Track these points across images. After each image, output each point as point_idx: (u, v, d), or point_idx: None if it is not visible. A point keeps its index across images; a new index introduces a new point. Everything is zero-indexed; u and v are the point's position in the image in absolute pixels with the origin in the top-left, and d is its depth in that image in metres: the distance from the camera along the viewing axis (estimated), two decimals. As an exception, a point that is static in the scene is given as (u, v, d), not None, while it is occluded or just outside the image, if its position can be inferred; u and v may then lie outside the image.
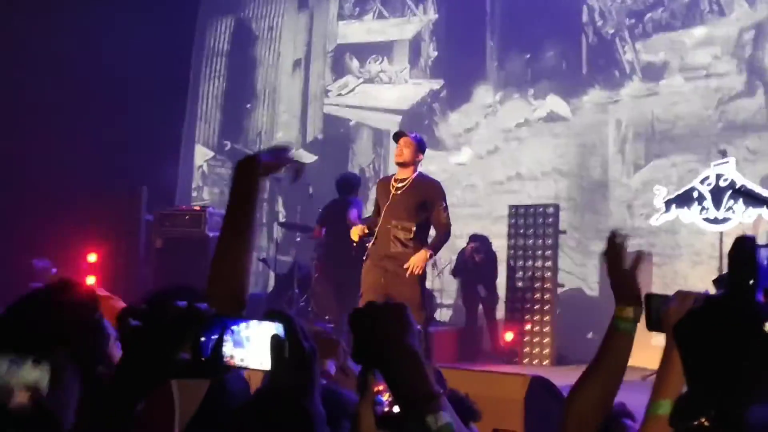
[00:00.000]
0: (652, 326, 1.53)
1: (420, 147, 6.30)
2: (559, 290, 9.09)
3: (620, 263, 1.65)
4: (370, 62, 12.33)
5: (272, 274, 10.54)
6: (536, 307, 8.93)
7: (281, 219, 11.92)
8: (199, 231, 9.06)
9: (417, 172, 6.32)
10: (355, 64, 12.48)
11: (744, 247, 0.81)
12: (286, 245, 10.99)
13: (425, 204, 6.21)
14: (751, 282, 0.81)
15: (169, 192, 12.11)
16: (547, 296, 8.90)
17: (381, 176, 11.46)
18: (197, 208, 9.95)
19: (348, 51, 12.61)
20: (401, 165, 6.30)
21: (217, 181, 13.13)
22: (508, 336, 8.89)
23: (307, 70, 12.93)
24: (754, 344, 0.80)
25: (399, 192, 6.20)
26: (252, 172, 2.00)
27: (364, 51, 12.44)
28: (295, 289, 9.31)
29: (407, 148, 6.22)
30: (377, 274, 6.13)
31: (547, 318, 8.85)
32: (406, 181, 6.23)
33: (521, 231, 9.10)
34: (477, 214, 10.26)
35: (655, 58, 9.80)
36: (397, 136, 6.38)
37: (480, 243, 9.51)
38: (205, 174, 13.30)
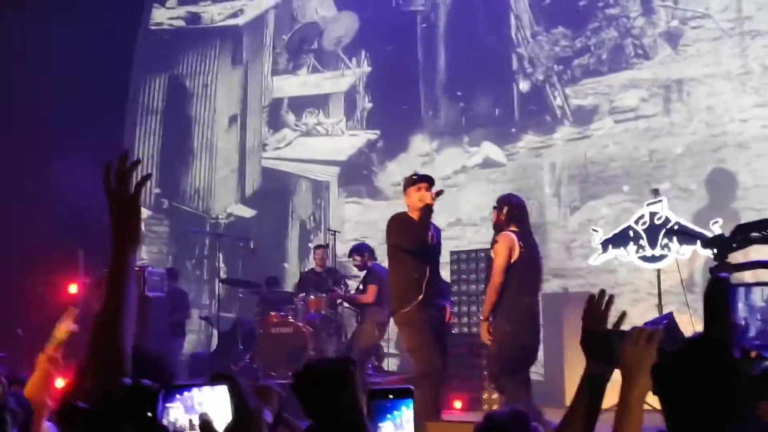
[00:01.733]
0: (614, 364, 1.54)
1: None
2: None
3: (601, 324, 1.65)
4: (306, 115, 12.40)
5: (215, 332, 10.37)
6: (481, 352, 8.92)
7: (222, 275, 11.77)
8: (138, 291, 8.87)
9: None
10: (291, 117, 12.54)
11: (719, 288, 0.83)
12: (228, 301, 10.84)
13: None
14: (728, 323, 0.83)
15: (105, 253, 11.86)
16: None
17: (323, 228, 11.48)
18: (135, 268, 9.79)
19: (284, 105, 12.67)
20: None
21: (155, 239, 12.94)
22: (457, 404, 8.72)
23: (243, 125, 12.93)
24: (733, 385, 0.82)
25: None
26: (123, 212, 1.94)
27: (299, 104, 12.52)
28: (240, 346, 9.17)
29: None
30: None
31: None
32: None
33: (463, 276, 9.14)
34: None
35: (585, 102, 10.07)
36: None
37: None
38: (142, 233, 13.08)
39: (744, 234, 2.93)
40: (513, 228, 6.16)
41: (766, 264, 2.94)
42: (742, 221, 8.54)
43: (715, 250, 2.94)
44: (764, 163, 8.64)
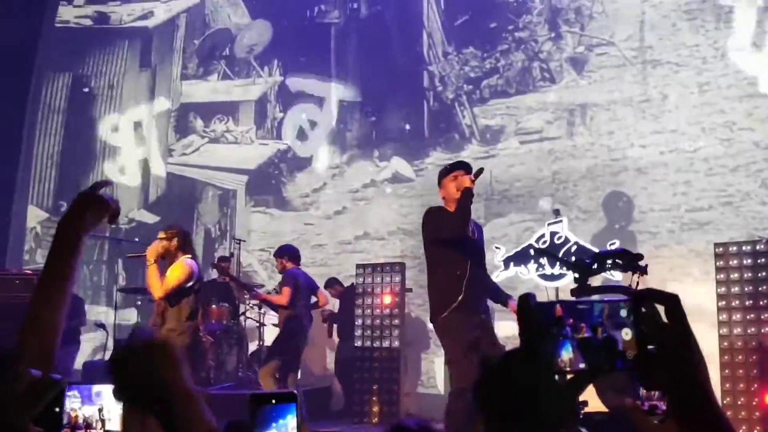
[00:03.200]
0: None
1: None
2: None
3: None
4: (215, 122, 12.23)
5: (111, 340, 10.08)
6: (385, 365, 8.96)
7: (121, 282, 11.46)
8: (29, 295, 8.53)
9: None
10: (199, 123, 12.35)
11: (527, 304, 0.88)
12: (126, 309, 10.56)
13: None
14: (539, 335, 0.88)
15: (-1, 255, 11.41)
16: (395, 354, 8.96)
17: (228, 236, 11.32)
18: (29, 271, 9.40)
19: (192, 110, 12.47)
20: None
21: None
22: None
23: (149, 129, 12.66)
24: (547, 395, 0.88)
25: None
26: (97, 215, 1.92)
27: (208, 110, 12.34)
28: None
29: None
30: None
31: (395, 376, 8.90)
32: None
33: (369, 290, 9.17)
34: (326, 273, 10.26)
35: (492, 122, 10.27)
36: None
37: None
38: (38, 236, 12.64)
39: (602, 261, 3.11)
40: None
41: (617, 288, 3.08)
42: (638, 243, 8.86)
43: (576, 275, 3.10)
44: (660, 188, 8.99)
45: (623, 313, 0.92)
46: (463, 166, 5.59)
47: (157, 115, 12.67)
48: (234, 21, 12.50)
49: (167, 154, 12.46)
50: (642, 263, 3.07)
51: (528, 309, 0.90)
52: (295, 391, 1.65)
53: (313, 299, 8.54)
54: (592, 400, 4.64)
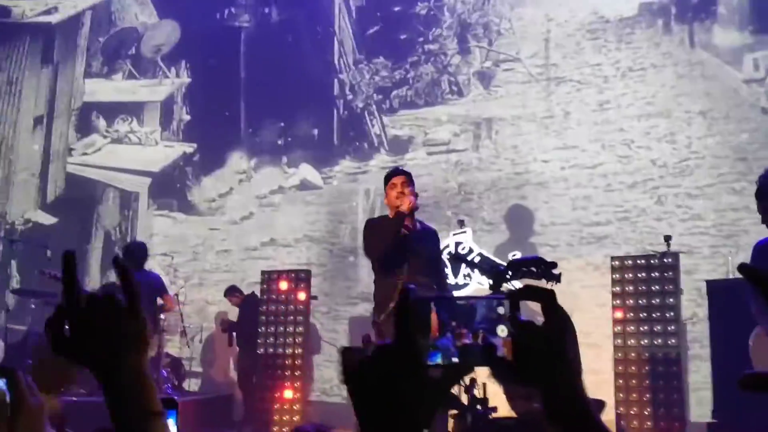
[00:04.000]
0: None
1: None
2: (314, 356, 9.14)
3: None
4: (118, 122, 11.93)
5: (2, 344, 9.67)
6: (287, 373, 8.89)
7: (15, 285, 11.03)
8: None
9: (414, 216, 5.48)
10: (102, 123, 12.02)
11: (406, 298, 0.90)
12: (20, 313, 10.16)
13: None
14: (413, 333, 0.89)
15: None
16: (298, 362, 8.89)
17: (129, 239, 11.05)
18: None
19: (95, 109, 12.13)
20: (412, 213, 5.40)
21: (-59, 243, 11.93)
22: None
23: (49, 128, 12.25)
24: (419, 387, 0.89)
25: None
26: None
27: (112, 110, 12.03)
28: (29, 360, 8.59)
29: (411, 194, 5.40)
30: None
31: (297, 384, 8.83)
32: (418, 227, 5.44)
33: (273, 297, 9.08)
34: (231, 279, 10.12)
35: (401, 132, 10.36)
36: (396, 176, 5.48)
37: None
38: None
39: (517, 269, 3.17)
40: None
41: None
42: (539, 255, 9.05)
43: (491, 281, 3.16)
44: (561, 202, 9.23)
45: (500, 309, 0.94)
46: (400, 173, 5.62)
47: (58, 114, 12.26)
48: (141, 20, 12.23)
49: (67, 153, 12.07)
50: (556, 271, 3.13)
51: (406, 303, 0.90)
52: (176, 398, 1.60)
53: (159, 302, 8.28)
54: (501, 405, 4.72)
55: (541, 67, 9.67)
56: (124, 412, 1.12)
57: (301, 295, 8.78)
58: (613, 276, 7.18)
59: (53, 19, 12.58)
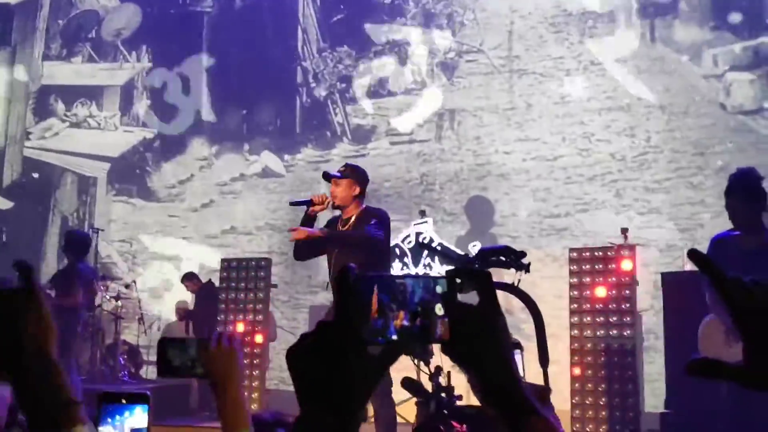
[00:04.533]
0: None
1: (356, 178, 5.18)
2: (271, 344, 9.09)
3: None
4: (77, 106, 11.74)
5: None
6: (246, 361, 8.85)
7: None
8: None
9: (363, 207, 5.22)
10: (60, 107, 11.82)
11: (346, 277, 0.91)
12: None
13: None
14: (353, 310, 0.91)
15: None
16: (257, 350, 8.85)
17: (86, 225, 10.91)
18: None
19: (54, 93, 11.93)
20: (337, 208, 5.23)
21: None
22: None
23: (6, 111, 12.02)
24: (357, 364, 0.92)
25: None
26: None
27: (71, 94, 11.84)
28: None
29: (337, 187, 5.15)
30: None
31: (256, 372, 8.80)
32: (351, 219, 5.21)
33: (233, 284, 9.02)
34: (190, 267, 10.04)
35: (363, 121, 10.34)
36: (326, 178, 5.32)
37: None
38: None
39: (485, 258, 3.15)
40: None
41: (500, 285, 3.17)
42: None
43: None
44: (521, 194, 9.29)
45: (438, 289, 0.95)
46: (324, 177, 5.38)
47: (15, 97, 12.04)
48: (102, 3, 12.04)
49: (24, 137, 11.86)
50: (525, 261, 3.11)
51: (346, 282, 0.91)
52: (148, 393, 1.60)
53: None
54: (466, 394, 4.75)
55: (504, 59, 9.71)
56: (33, 402, 1.09)
57: (261, 292, 8.76)
58: (571, 267, 7.25)
59: (12, 0, 12.34)
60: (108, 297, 9.16)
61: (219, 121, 11.06)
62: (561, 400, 6.24)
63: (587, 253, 7.26)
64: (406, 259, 8.12)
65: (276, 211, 10.51)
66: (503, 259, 2.94)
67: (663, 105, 8.93)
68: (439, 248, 7.73)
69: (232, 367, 1.60)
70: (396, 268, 8.22)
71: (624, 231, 7.17)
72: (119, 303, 9.02)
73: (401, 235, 8.33)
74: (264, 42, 10.92)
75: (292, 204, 5.56)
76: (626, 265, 6.97)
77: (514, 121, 9.51)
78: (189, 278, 9.54)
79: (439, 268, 7.99)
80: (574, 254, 7.30)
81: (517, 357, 2.06)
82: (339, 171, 5.23)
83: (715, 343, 4.32)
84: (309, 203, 5.24)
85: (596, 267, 7.14)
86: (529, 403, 0.95)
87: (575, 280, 7.19)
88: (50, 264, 11.02)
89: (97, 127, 11.62)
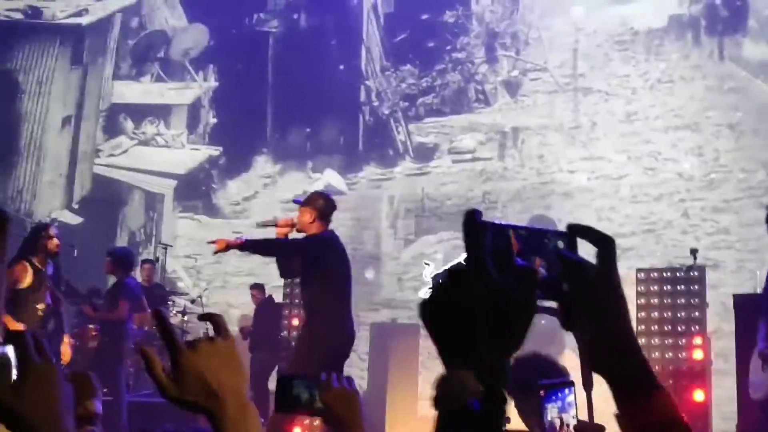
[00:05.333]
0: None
1: (312, 206, 5.55)
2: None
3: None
4: (146, 124, 12.02)
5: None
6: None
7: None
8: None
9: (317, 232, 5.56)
10: (129, 124, 12.11)
11: (473, 219, 0.87)
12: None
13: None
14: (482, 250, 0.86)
15: None
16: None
17: (153, 241, 11.12)
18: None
19: (123, 111, 12.23)
20: (300, 232, 5.58)
21: (-32, 240, 12.07)
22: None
23: (77, 128, 12.36)
24: (497, 304, 0.84)
25: None
26: None
27: (140, 112, 12.12)
28: (53, 359, 8.65)
29: (299, 213, 5.55)
30: None
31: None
32: None
33: (296, 301, 9.08)
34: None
35: (426, 139, 10.37)
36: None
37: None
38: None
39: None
40: None
41: (549, 310, 3.12)
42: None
43: None
44: (586, 213, 9.18)
45: (560, 244, 0.92)
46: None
47: (87, 115, 12.38)
48: (171, 23, 12.33)
49: (94, 154, 12.17)
50: None
51: (474, 225, 0.87)
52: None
53: None
54: (514, 418, 4.71)
55: (569, 77, 9.65)
56: None
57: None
58: (638, 288, 7.12)
59: (83, 20, 12.71)
60: (174, 312, 9.31)
61: (283, 139, 11.20)
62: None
63: (655, 274, 7.13)
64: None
65: (338, 229, 10.48)
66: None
67: (732, 124, 8.76)
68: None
69: (353, 410, 1.62)
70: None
71: (693, 252, 7.03)
72: (185, 318, 9.16)
73: (463, 254, 8.28)
74: (328, 61, 11.04)
75: (258, 225, 6.05)
76: (696, 286, 6.84)
77: (578, 140, 9.43)
78: (256, 288, 9.64)
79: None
80: (642, 275, 7.17)
81: (569, 396, 2.03)
82: (303, 198, 5.69)
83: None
84: (274, 225, 5.67)
85: (665, 288, 7.01)
86: (652, 375, 0.90)
87: (642, 301, 7.07)
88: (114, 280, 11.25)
89: (164, 144, 11.88)
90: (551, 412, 1.79)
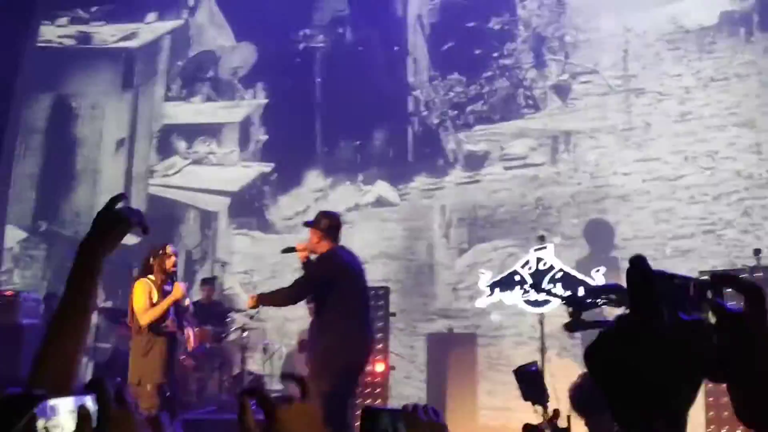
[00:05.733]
0: None
1: (317, 227, 5.91)
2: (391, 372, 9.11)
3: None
4: (198, 143, 12.18)
5: (90, 363, 9.93)
6: (367, 390, 8.90)
7: (101, 303, 11.31)
8: (11, 318, 8.38)
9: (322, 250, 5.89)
10: (182, 144, 12.29)
11: (639, 265, 0.85)
12: (106, 331, 10.41)
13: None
14: (653, 297, 0.85)
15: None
16: (378, 379, 8.89)
17: (209, 258, 11.24)
18: (9, 292, 9.24)
19: (175, 132, 12.42)
20: (312, 253, 5.96)
21: (30, 263, 12.34)
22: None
23: (131, 150, 12.58)
24: (669, 354, 0.83)
25: None
26: (119, 233, 1.89)
27: (191, 132, 12.30)
28: (117, 378, 8.80)
29: (309, 237, 5.95)
30: None
31: (379, 401, 8.83)
32: None
33: (352, 314, 9.10)
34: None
35: (477, 147, 10.32)
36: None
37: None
38: (16, 256, 12.48)
39: (596, 296, 3.05)
40: None
41: (605, 323, 3.06)
42: (621, 271, 8.92)
43: (570, 309, 3.05)
44: (643, 215, 9.06)
45: (708, 294, 0.91)
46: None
47: (140, 136, 12.60)
48: (219, 43, 12.50)
49: (149, 175, 12.37)
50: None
51: (646, 273, 0.85)
52: None
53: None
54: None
55: (620, 79, 9.53)
56: None
57: (380, 321, 8.80)
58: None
59: (133, 44, 12.95)
60: (234, 328, 9.40)
61: (333, 152, 11.26)
62: None
63: (718, 276, 7.00)
64: (526, 286, 8.00)
65: (391, 240, 10.59)
66: (613, 297, 2.85)
67: (790, 119, 8.57)
68: (551, 275, 7.57)
69: None
70: (516, 295, 8.12)
71: (756, 252, 6.89)
72: (245, 334, 9.24)
73: (521, 261, 8.22)
74: (375, 73, 11.08)
75: (282, 252, 6.36)
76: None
77: (632, 141, 9.30)
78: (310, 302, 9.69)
79: (561, 292, 7.83)
80: (705, 277, 7.05)
81: None
82: (313, 220, 5.98)
83: None
84: (294, 250, 6.03)
85: (728, 290, 6.87)
86: None
87: (706, 303, 6.94)
88: (176, 296, 11.40)
89: (217, 163, 12.02)
90: None
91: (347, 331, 5.63)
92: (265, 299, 5.89)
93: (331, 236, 5.88)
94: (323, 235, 5.85)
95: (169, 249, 6.49)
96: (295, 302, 5.92)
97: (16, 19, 12.43)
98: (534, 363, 5.03)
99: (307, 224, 6.01)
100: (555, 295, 7.20)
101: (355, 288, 5.88)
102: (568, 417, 4.63)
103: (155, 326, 6.26)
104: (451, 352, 9.65)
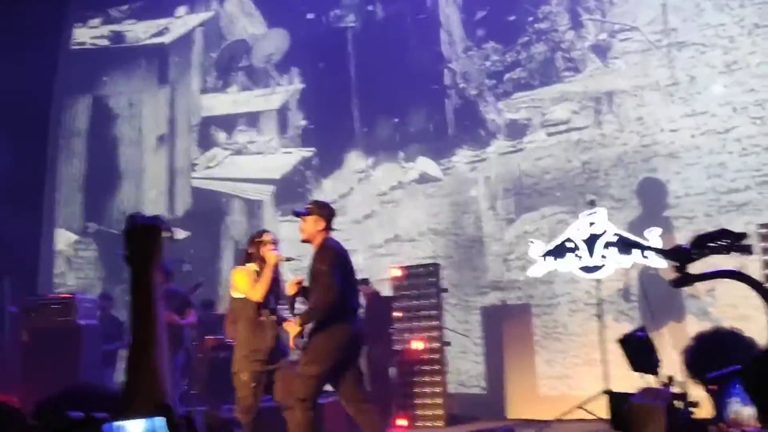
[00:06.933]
0: (617, 426, 1.49)
1: (320, 214, 5.91)
2: (446, 348, 9.08)
3: None
4: (237, 133, 12.20)
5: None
6: (424, 367, 8.88)
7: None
8: (69, 320, 8.48)
9: (323, 240, 5.89)
10: (222, 136, 12.32)
11: None
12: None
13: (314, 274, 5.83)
14: None
15: (30, 281, 11.41)
16: (435, 356, 8.86)
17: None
18: (66, 295, 9.37)
19: (214, 123, 12.46)
20: (306, 242, 5.96)
21: (82, 265, 12.52)
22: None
23: (171, 145, 12.66)
24: None
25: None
26: (158, 244, 1.91)
27: (230, 123, 12.32)
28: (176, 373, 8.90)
29: (304, 223, 5.93)
30: None
31: (437, 378, 8.81)
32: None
33: (405, 292, 9.08)
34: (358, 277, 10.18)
35: (517, 115, 10.16)
36: (294, 215, 6.13)
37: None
38: (68, 259, 12.68)
39: (702, 245, 2.89)
40: None
41: (725, 273, 2.93)
42: (675, 229, 8.72)
43: (677, 263, 2.91)
44: (694, 171, 8.84)
45: None
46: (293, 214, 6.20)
47: (179, 131, 12.66)
48: (250, 31, 12.48)
49: (191, 168, 12.44)
50: (746, 242, 2.82)
51: None
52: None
53: None
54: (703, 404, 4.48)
55: (660, 34, 9.28)
56: None
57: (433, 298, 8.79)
58: (762, 244, 6.80)
59: (165, 39, 12.99)
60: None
61: (372, 132, 11.19)
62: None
63: (779, 227, 6.81)
64: (579, 252, 7.88)
65: (437, 215, 10.51)
66: (723, 243, 2.72)
67: (842, 60, 8.26)
68: (627, 241, 7.40)
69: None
70: (570, 262, 8.00)
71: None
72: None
73: (572, 227, 8.09)
74: (408, 49, 10.95)
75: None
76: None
77: (678, 97, 9.06)
78: (363, 283, 9.66)
79: (616, 256, 7.70)
80: (764, 230, 6.86)
81: None
82: (306, 208, 5.94)
83: None
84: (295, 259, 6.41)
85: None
86: None
87: (768, 257, 6.76)
88: (227, 290, 11.46)
89: (257, 152, 12.04)
90: (733, 405, 1.66)
91: (343, 320, 5.67)
92: (305, 318, 5.70)
93: (330, 226, 5.93)
94: (326, 224, 5.89)
95: (267, 237, 6.36)
96: (337, 299, 5.64)
97: (50, 23, 12.55)
98: (642, 327, 4.85)
99: (299, 213, 5.96)
100: (656, 250, 6.97)
101: (352, 278, 5.93)
102: (684, 384, 4.30)
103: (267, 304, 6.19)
104: (505, 324, 9.58)
